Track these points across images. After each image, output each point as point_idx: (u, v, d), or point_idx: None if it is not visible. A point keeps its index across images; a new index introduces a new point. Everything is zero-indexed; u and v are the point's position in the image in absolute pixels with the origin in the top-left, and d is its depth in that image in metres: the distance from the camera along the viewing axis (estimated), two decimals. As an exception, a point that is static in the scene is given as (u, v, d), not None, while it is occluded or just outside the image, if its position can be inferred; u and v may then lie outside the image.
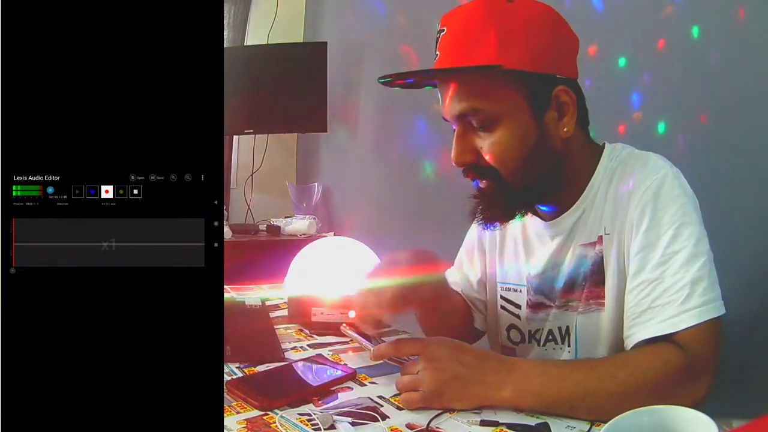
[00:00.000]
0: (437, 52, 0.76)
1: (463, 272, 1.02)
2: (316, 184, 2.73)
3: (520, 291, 0.90)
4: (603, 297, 0.77)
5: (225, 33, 2.80)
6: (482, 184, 0.78)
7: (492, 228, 0.81)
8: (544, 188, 0.79)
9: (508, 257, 0.93)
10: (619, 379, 0.65)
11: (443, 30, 0.75)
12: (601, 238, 0.78)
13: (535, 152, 0.75)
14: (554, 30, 0.75)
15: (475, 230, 1.01)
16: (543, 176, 0.77)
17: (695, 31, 1.04)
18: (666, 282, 0.69)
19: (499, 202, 0.78)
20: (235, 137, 2.89)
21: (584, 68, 0.80)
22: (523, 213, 0.82)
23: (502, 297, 0.93)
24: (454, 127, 0.78)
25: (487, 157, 0.75)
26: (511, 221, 0.81)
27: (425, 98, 1.90)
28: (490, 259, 0.97)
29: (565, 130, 0.76)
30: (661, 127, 1.10)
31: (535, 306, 0.87)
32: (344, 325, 0.90)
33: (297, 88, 2.53)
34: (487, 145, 0.75)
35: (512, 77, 0.73)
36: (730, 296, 0.70)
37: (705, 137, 1.02)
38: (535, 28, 0.73)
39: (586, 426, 0.64)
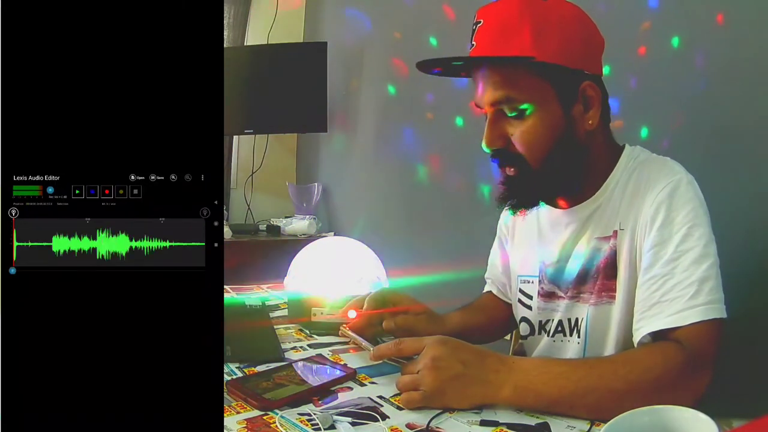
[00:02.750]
0: (473, 42, 0.79)
1: (493, 269, 1.08)
2: (316, 184, 2.73)
3: (533, 282, 0.92)
4: (614, 290, 0.79)
5: (225, 33, 2.80)
6: (509, 171, 0.81)
7: (519, 213, 0.85)
8: (567, 177, 0.81)
9: (524, 248, 0.95)
10: (620, 376, 0.65)
11: (480, 22, 0.79)
12: (615, 232, 0.80)
13: (561, 142, 0.78)
14: (584, 29, 0.79)
15: (498, 226, 1.05)
16: (567, 165, 0.80)
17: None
18: (676, 277, 0.70)
19: (525, 189, 0.81)
20: (235, 137, 2.89)
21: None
22: (547, 199, 0.85)
23: (519, 290, 0.95)
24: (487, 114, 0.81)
25: (516, 144, 0.79)
26: (535, 208, 0.85)
27: (425, 98, 1.91)
28: (511, 252, 1.01)
29: (590, 122, 0.80)
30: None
31: (546, 295, 0.89)
32: (343, 326, 0.90)
33: (297, 88, 2.53)
34: (517, 133, 0.78)
35: (544, 70, 0.76)
36: (731, 297, 0.71)
37: (705, 140, 1.02)
38: (568, 25, 0.77)
39: (586, 426, 0.64)
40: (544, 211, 0.90)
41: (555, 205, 0.87)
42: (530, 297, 0.92)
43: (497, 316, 1.04)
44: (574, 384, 0.65)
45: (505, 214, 1.03)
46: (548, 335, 0.88)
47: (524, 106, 0.77)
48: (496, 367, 0.68)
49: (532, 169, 0.79)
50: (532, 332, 0.92)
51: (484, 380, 0.68)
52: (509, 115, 0.78)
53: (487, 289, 1.10)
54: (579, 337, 0.84)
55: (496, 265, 1.06)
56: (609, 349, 0.79)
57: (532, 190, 0.82)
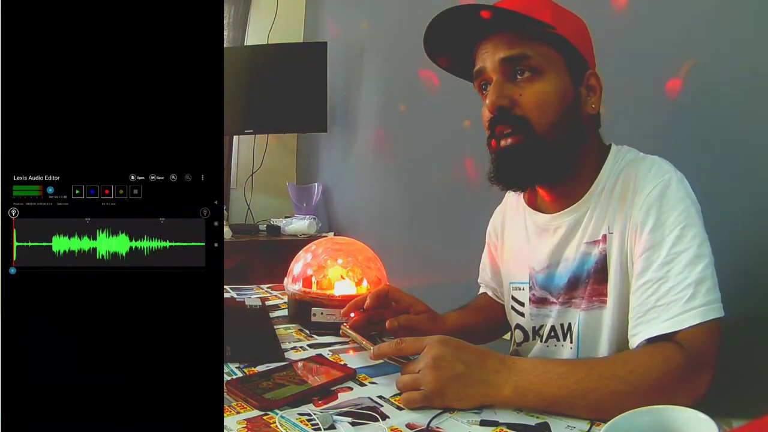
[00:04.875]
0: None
1: (484, 275, 1.08)
2: (316, 184, 2.73)
3: (524, 289, 0.91)
4: (605, 294, 0.78)
5: (225, 33, 2.80)
6: (508, 141, 0.79)
7: (512, 190, 0.85)
8: (567, 153, 0.80)
9: (514, 256, 0.95)
10: (620, 376, 0.65)
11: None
12: (605, 236, 0.79)
13: (569, 112, 0.79)
14: (590, 36, 0.84)
15: (487, 233, 1.05)
16: (571, 139, 0.79)
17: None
18: (671, 281, 0.69)
19: (523, 158, 0.79)
20: (235, 137, 2.89)
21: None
22: (541, 180, 0.84)
23: (512, 297, 0.95)
24: (484, 86, 0.81)
25: (525, 105, 0.78)
26: (526, 188, 0.86)
27: (425, 98, 1.91)
28: (500, 260, 1.00)
29: (593, 106, 0.82)
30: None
31: (539, 301, 0.89)
32: (344, 325, 0.90)
33: (297, 88, 2.53)
34: (528, 93, 0.78)
35: (560, 43, 0.78)
36: (731, 298, 0.70)
37: (702, 139, 1.02)
38: (579, 22, 0.83)
39: (586, 426, 0.64)
40: (531, 216, 0.90)
41: (545, 210, 0.87)
42: (522, 304, 0.92)
43: (494, 316, 1.04)
44: (575, 384, 0.65)
45: (494, 221, 1.03)
46: (542, 341, 0.88)
47: (538, 67, 0.77)
48: (496, 367, 0.68)
49: (536, 133, 0.77)
50: (526, 339, 0.92)
51: (484, 380, 0.68)
52: (519, 77, 0.78)
53: (481, 291, 1.10)
54: (572, 342, 0.83)
55: (487, 271, 1.07)
56: (602, 353, 0.78)
57: (531, 160, 0.78)
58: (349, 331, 0.88)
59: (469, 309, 1.06)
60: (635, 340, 0.71)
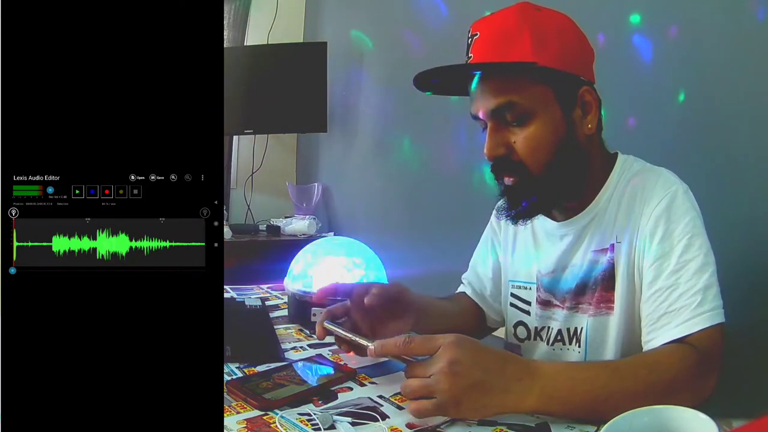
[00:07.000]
0: (470, 55, 0.79)
1: (476, 272, 1.05)
2: (316, 184, 2.73)
3: (530, 288, 0.92)
4: (613, 301, 0.80)
5: (225, 33, 2.80)
6: (510, 182, 0.81)
7: (521, 224, 0.85)
8: (568, 183, 0.81)
9: (519, 256, 0.96)
10: (640, 378, 0.65)
11: (476, 34, 0.79)
12: (613, 245, 0.81)
13: (563, 146, 0.78)
14: (578, 37, 0.81)
15: (488, 231, 1.04)
16: (569, 171, 0.80)
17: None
18: (680, 288, 0.72)
19: (523, 199, 0.81)
20: (235, 137, 2.89)
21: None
22: (547, 209, 0.85)
23: (512, 294, 0.96)
24: (485, 125, 0.81)
25: (519, 151, 0.78)
26: (534, 218, 0.85)
27: (425, 98, 1.91)
28: (503, 258, 1.00)
29: (589, 126, 0.80)
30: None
31: (544, 303, 0.90)
32: (327, 321, 0.81)
33: (297, 88, 2.53)
34: (520, 139, 0.78)
35: (544, 75, 0.76)
36: (732, 300, 0.72)
37: (703, 145, 1.02)
38: (564, 32, 0.79)
39: (586, 426, 0.64)
40: (539, 220, 0.90)
41: (552, 217, 0.88)
42: (528, 303, 0.93)
43: (468, 311, 1.02)
44: (599, 390, 0.64)
45: (497, 217, 1.02)
46: (547, 344, 0.89)
47: (526, 111, 0.77)
48: (518, 374, 0.63)
49: (533, 176, 0.78)
50: (528, 337, 0.93)
51: (506, 389, 0.62)
52: (510, 122, 0.78)
53: (461, 289, 1.06)
54: (579, 346, 0.85)
55: (480, 268, 1.03)
56: (608, 356, 0.80)
57: (532, 198, 0.80)
58: (337, 328, 0.79)
59: (445, 298, 1.04)
60: (650, 345, 0.73)
